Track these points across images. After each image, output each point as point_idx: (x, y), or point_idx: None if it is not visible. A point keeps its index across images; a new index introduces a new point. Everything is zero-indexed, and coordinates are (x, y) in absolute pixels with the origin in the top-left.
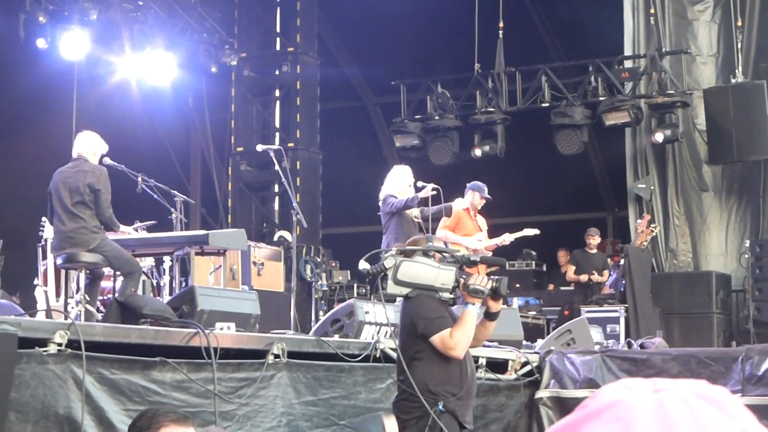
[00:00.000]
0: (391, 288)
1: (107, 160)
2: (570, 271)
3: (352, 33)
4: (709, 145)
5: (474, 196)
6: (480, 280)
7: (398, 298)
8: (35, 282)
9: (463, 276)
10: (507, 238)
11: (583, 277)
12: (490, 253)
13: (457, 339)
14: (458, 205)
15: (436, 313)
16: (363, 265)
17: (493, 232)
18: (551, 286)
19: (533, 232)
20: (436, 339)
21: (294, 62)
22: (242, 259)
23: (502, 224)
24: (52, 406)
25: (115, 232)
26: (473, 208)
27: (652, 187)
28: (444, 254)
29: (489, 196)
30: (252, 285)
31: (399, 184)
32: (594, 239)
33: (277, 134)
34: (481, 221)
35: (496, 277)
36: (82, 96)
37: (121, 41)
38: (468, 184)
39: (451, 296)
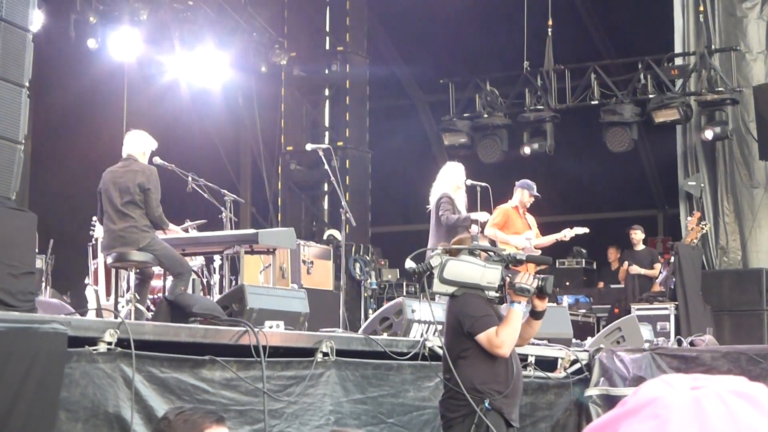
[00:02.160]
0: (437, 287)
1: (157, 160)
2: (621, 271)
3: (401, 31)
4: (759, 142)
5: (523, 193)
6: (526, 278)
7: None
8: (86, 281)
9: (509, 275)
10: (568, 233)
11: (632, 269)
12: (539, 252)
13: (503, 337)
14: (481, 216)
15: (482, 312)
16: (409, 263)
17: (542, 231)
18: (601, 284)
19: (583, 230)
20: (482, 337)
21: (343, 61)
22: (291, 257)
23: (552, 222)
24: (101, 404)
25: (165, 232)
26: (522, 206)
27: (702, 185)
28: (490, 253)
29: (538, 194)
30: (301, 283)
31: (452, 181)
32: (636, 234)
33: (327, 133)
34: (531, 219)
35: (542, 276)
36: (132, 96)
37: (171, 41)
38: (517, 182)
39: (497, 295)
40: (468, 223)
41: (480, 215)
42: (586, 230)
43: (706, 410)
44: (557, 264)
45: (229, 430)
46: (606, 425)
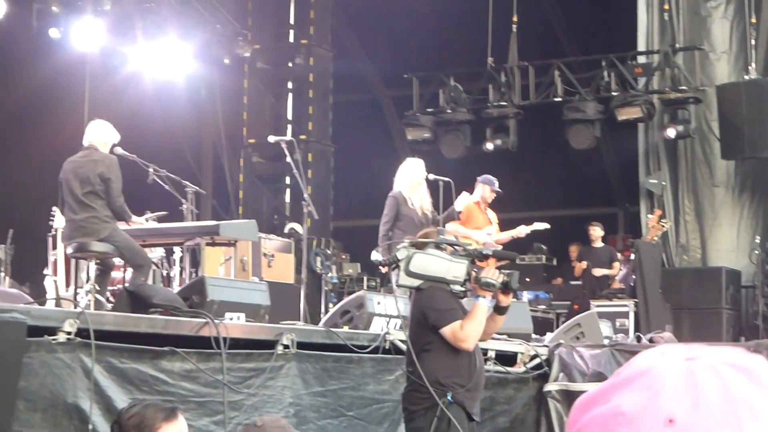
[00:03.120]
0: (403, 279)
1: (119, 150)
2: (577, 267)
3: (365, 26)
4: (721, 141)
5: (484, 189)
6: (492, 273)
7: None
8: (45, 272)
9: (475, 269)
10: (523, 230)
11: (594, 271)
12: (501, 247)
13: (467, 331)
14: (463, 201)
15: (448, 305)
16: (375, 256)
17: (503, 227)
18: (560, 280)
19: (543, 226)
20: (446, 331)
21: (307, 54)
22: (253, 250)
23: (513, 218)
24: (60, 394)
25: (127, 223)
26: (484, 202)
27: (663, 183)
28: (456, 247)
29: (500, 190)
30: (262, 276)
31: (411, 177)
32: (595, 231)
33: (290, 126)
34: (492, 215)
35: (508, 271)
36: (94, 86)
37: (134, 32)
38: (479, 178)
39: (462, 289)
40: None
41: (462, 200)
42: (546, 226)
43: (699, 382)
44: (518, 260)
45: (188, 422)
46: (598, 396)
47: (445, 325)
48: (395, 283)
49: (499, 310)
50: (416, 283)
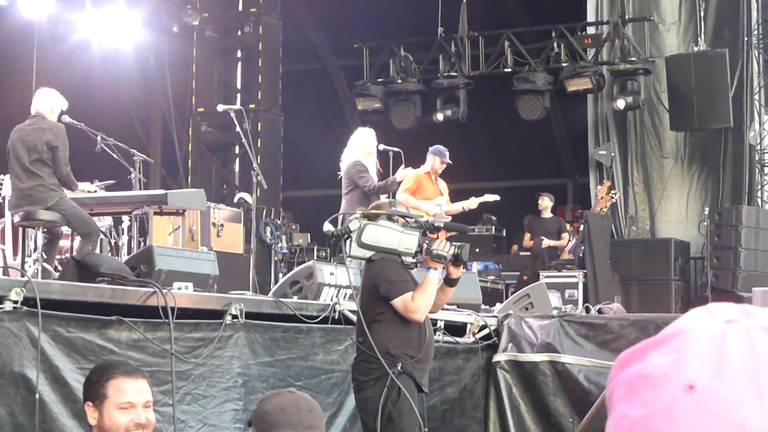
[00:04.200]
0: (355, 251)
1: (66, 118)
2: (525, 238)
3: None
4: (670, 113)
5: (435, 160)
6: (443, 245)
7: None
8: None
9: (426, 241)
10: (473, 202)
11: (543, 243)
12: (450, 218)
13: (418, 302)
14: (403, 173)
15: (399, 277)
16: (327, 227)
17: (454, 197)
18: (515, 248)
19: (493, 198)
20: (398, 302)
21: (256, 23)
22: (201, 220)
23: (463, 189)
24: (6, 363)
25: (73, 191)
26: (434, 172)
27: (612, 154)
28: (407, 219)
29: (450, 161)
30: (211, 246)
31: (363, 147)
32: (544, 201)
33: (239, 95)
34: (443, 185)
35: (459, 243)
36: (42, 55)
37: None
38: (430, 148)
39: (414, 261)
40: (395, 187)
41: (405, 172)
42: (496, 197)
43: (728, 346)
44: (468, 233)
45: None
46: (637, 353)
47: (396, 296)
48: (347, 253)
49: (449, 282)
50: (368, 254)
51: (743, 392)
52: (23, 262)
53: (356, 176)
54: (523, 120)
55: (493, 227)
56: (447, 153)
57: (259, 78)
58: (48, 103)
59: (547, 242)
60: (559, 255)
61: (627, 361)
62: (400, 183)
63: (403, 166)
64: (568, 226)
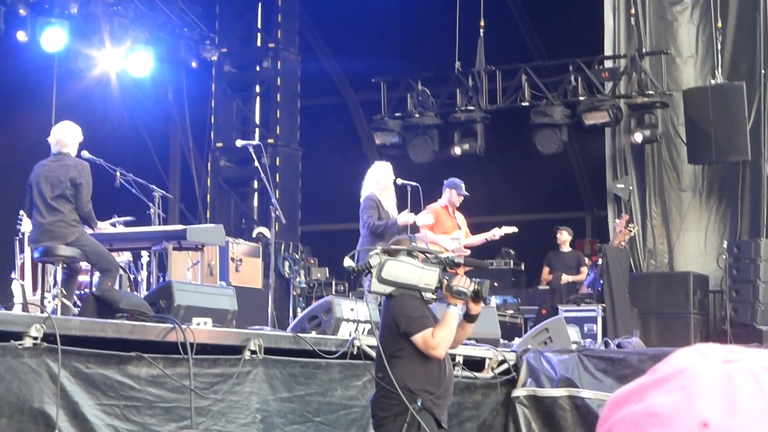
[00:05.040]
0: (375, 286)
1: (86, 153)
2: (544, 272)
3: (333, 29)
4: (688, 146)
5: (451, 193)
6: (463, 281)
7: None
8: (12, 276)
9: (446, 277)
10: (497, 233)
11: (562, 279)
12: (469, 252)
13: (439, 339)
14: (424, 219)
15: (419, 313)
16: (348, 262)
17: (473, 231)
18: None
19: (512, 229)
20: (418, 338)
21: (275, 58)
22: (220, 255)
23: (482, 222)
24: (26, 400)
25: (93, 230)
26: (452, 206)
27: (630, 188)
28: (428, 255)
29: (466, 193)
30: (230, 281)
31: (379, 180)
32: (562, 235)
33: (257, 130)
34: (460, 218)
35: (479, 279)
36: (61, 90)
37: (101, 35)
38: (445, 182)
39: (434, 297)
40: (395, 229)
41: (407, 217)
42: (514, 229)
43: (736, 386)
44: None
45: (154, 428)
46: (633, 394)
47: (416, 332)
48: (367, 289)
49: (468, 318)
50: (388, 290)
51: (756, 429)
52: (42, 298)
53: (362, 211)
54: (540, 154)
55: (512, 261)
56: (462, 185)
57: (277, 113)
58: (71, 138)
59: (566, 278)
60: (577, 289)
61: (623, 402)
62: (401, 225)
63: (408, 210)
64: (586, 259)
